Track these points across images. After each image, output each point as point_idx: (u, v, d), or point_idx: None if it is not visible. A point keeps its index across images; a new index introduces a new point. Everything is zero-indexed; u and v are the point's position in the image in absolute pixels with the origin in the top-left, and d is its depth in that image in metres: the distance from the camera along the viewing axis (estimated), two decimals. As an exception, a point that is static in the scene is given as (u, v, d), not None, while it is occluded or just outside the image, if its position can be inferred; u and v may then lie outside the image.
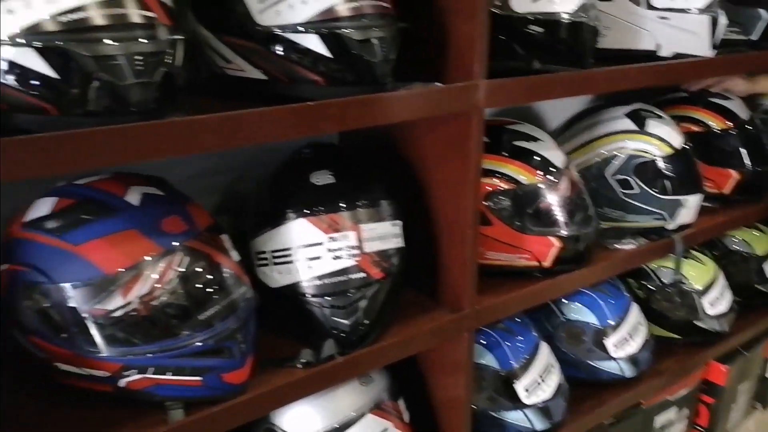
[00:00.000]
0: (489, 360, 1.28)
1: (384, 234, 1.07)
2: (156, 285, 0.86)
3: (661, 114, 1.49)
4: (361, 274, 1.04)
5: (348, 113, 0.91)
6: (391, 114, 0.96)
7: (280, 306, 1.06)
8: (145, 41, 0.72)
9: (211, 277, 0.92)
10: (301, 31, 0.87)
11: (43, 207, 0.88)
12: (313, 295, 1.02)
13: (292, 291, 1.03)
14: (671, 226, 1.46)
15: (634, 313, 1.52)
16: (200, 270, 0.91)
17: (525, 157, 1.26)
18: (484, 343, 1.29)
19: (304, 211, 1.02)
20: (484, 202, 1.21)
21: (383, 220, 1.07)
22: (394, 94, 0.95)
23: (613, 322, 1.45)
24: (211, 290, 0.91)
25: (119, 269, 0.84)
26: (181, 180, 0.99)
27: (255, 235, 1.06)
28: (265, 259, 1.05)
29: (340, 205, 1.04)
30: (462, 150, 1.07)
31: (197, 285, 0.90)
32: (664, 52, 1.34)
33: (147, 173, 0.96)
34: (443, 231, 1.15)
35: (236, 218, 1.14)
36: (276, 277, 1.04)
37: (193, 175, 1.15)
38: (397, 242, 1.09)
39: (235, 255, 0.97)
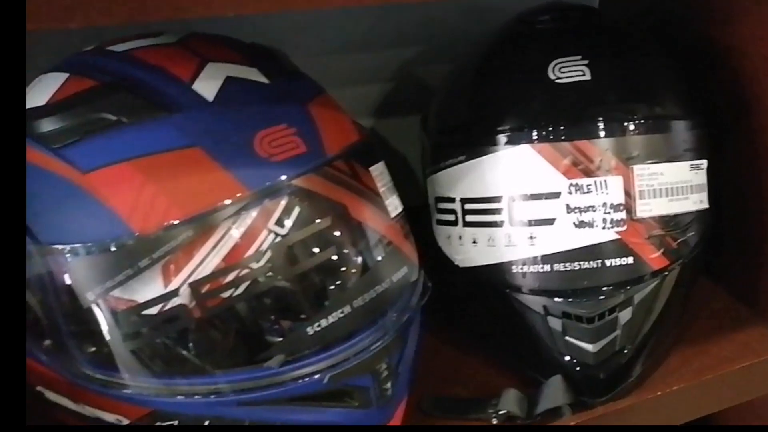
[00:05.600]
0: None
1: (676, 184, 0.56)
2: (229, 261, 0.43)
3: None
4: (627, 260, 0.54)
5: None
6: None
7: (472, 297, 0.60)
8: None
9: (343, 247, 0.47)
10: None
11: (42, 91, 0.46)
12: (534, 291, 0.55)
13: (496, 277, 0.56)
14: None
15: None
16: (321, 233, 0.46)
17: None
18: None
19: (533, 131, 0.54)
20: None
21: (676, 159, 0.56)
22: None
23: None
24: (341, 275, 0.47)
25: (164, 223, 0.42)
26: (303, 59, 0.54)
27: (436, 166, 0.60)
28: (451, 212, 0.59)
29: (599, 124, 0.54)
30: None
31: (311, 264, 0.46)
32: None
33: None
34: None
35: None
36: (468, 250, 0.58)
37: (324, 49, 0.70)
38: (698, 202, 0.58)
39: (393, 204, 0.51)
